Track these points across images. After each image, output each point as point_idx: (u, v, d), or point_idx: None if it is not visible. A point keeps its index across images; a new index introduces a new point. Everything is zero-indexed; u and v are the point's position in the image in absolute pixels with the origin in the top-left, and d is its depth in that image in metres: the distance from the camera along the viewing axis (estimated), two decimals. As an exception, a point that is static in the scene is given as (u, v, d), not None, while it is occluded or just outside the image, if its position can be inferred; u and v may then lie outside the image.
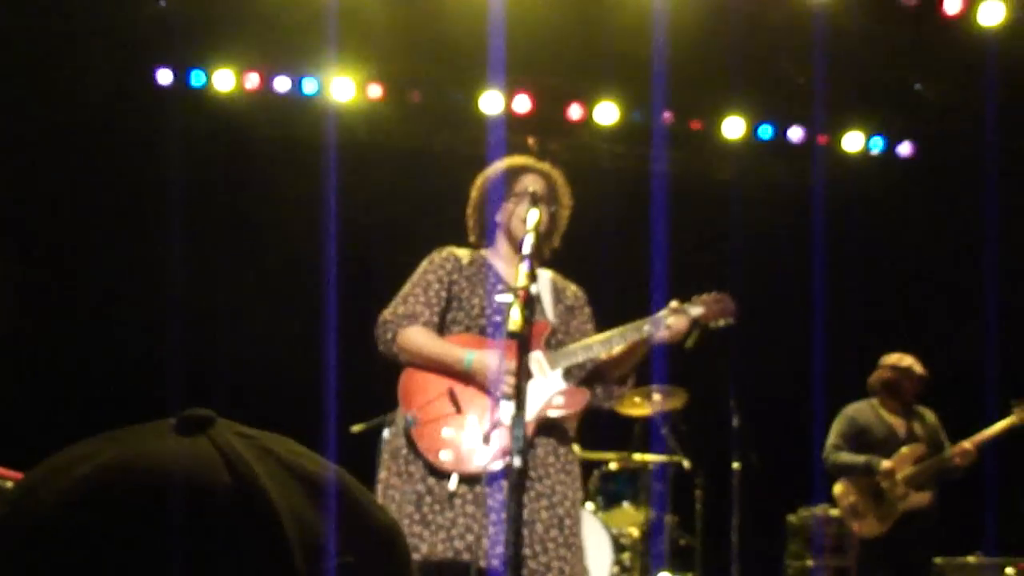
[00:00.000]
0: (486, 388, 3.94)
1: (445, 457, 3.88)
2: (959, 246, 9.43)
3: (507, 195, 4.22)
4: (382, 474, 4.05)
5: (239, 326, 8.65)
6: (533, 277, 3.81)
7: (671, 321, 4.20)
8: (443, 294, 4.15)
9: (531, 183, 4.19)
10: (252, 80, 9.00)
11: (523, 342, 3.64)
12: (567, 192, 4.42)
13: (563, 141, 9.44)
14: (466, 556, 3.74)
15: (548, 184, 4.30)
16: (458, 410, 3.96)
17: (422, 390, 4.03)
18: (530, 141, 9.19)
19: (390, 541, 0.78)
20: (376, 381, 4.56)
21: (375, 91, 9.16)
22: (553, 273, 4.44)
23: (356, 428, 6.85)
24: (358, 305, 8.40)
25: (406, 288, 4.19)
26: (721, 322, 4.29)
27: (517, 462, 3.57)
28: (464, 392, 3.99)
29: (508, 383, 3.81)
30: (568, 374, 4.18)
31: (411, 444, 3.94)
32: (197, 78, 8.89)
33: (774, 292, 9.34)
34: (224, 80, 8.90)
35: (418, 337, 4.05)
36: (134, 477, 0.71)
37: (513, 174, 4.29)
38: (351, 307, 8.51)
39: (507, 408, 3.78)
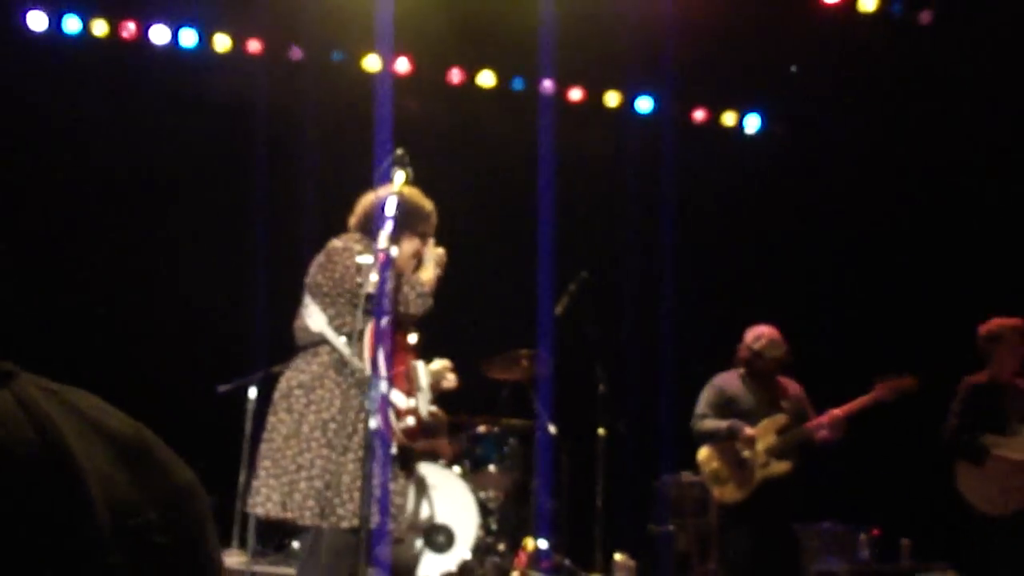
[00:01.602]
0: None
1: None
2: (827, 224, 9.64)
3: (415, 229, 4.49)
4: None
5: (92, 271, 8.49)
6: (394, 240, 3.96)
7: (450, 378, 4.70)
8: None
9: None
10: (128, 29, 8.78)
11: (379, 303, 3.87)
12: None
13: (444, 105, 9.40)
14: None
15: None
16: (409, 389, 4.40)
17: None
18: (411, 104, 9.14)
19: (189, 497, 0.79)
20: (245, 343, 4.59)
21: (255, 46, 9.02)
22: None
23: (223, 388, 6.80)
24: (234, 260, 8.37)
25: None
26: None
27: (372, 424, 3.70)
28: (412, 371, 4.47)
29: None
30: None
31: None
32: (71, 25, 8.63)
33: (647, 263, 9.47)
34: (99, 29, 8.67)
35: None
36: None
37: (426, 217, 4.54)
38: (222, 260, 8.44)
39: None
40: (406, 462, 4.31)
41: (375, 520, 3.99)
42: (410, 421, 4.20)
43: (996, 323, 6.70)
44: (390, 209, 4.04)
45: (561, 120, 9.53)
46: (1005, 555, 6.22)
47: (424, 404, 4.38)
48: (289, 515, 4.06)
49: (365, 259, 4.15)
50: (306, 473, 4.05)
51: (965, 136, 8.44)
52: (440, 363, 4.63)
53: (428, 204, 4.52)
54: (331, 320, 4.22)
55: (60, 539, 0.67)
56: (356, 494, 3.96)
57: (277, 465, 4.12)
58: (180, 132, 8.57)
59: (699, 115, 10.09)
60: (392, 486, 4.16)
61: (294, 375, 4.26)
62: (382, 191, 4.29)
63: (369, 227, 4.34)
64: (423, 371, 4.47)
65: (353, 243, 4.37)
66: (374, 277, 3.84)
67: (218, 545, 0.80)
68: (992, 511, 6.35)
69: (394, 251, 4.02)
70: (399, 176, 4.13)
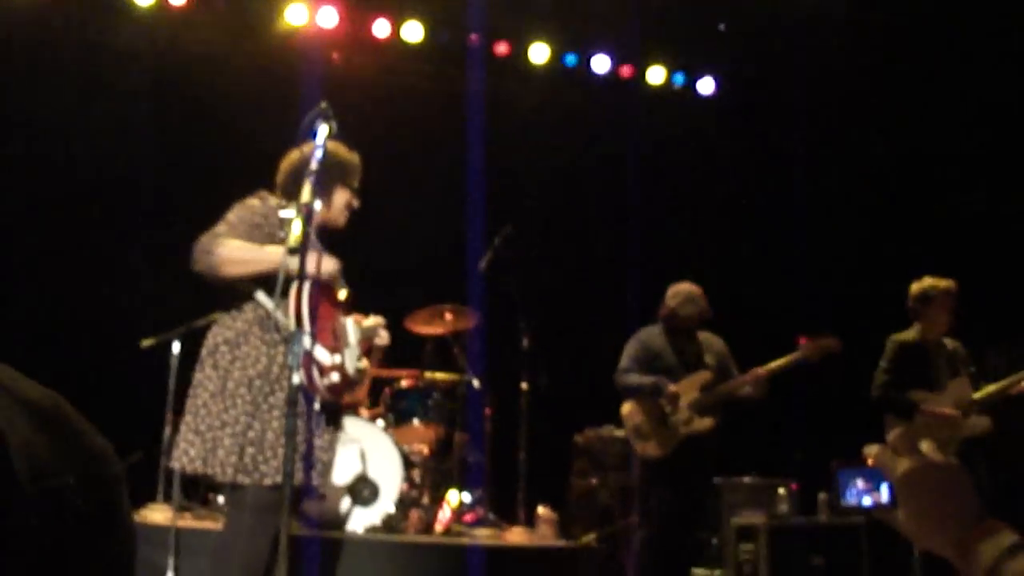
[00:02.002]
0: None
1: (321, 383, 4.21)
2: (757, 180, 9.75)
3: (344, 181, 4.44)
4: None
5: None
6: (326, 193, 4.08)
7: (382, 335, 4.75)
8: (256, 233, 4.21)
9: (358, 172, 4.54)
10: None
11: (303, 256, 3.86)
12: None
13: (368, 58, 9.32)
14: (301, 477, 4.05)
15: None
16: (335, 345, 4.32)
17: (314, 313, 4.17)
18: (335, 56, 9.06)
19: (104, 462, 0.81)
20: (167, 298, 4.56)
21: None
22: None
23: (145, 342, 6.72)
24: (158, 213, 8.27)
25: (228, 216, 4.26)
26: None
27: (296, 379, 3.73)
28: (339, 325, 4.38)
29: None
30: None
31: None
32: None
33: (569, 218, 9.51)
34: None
35: (239, 245, 4.14)
36: None
37: (355, 168, 4.50)
38: (145, 213, 8.33)
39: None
40: (332, 418, 4.29)
41: (298, 477, 3.97)
42: (335, 377, 4.15)
43: (928, 282, 6.79)
44: (315, 163, 4.01)
45: (487, 73, 9.52)
46: None
47: (352, 361, 4.35)
48: (210, 471, 4.03)
49: (287, 213, 4.12)
50: (230, 430, 4.02)
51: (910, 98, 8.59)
52: (373, 320, 4.62)
53: (354, 156, 4.49)
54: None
55: None
56: (280, 451, 3.93)
57: (201, 421, 4.09)
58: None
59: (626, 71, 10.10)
60: (317, 442, 4.15)
61: (220, 331, 4.22)
62: (306, 148, 4.25)
63: (294, 187, 4.25)
64: (352, 327, 4.44)
65: (269, 196, 4.36)
66: (296, 230, 3.81)
67: (130, 509, 0.83)
68: None
69: (317, 205, 4.00)
70: (323, 129, 4.10)
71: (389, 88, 9.23)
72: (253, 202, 4.32)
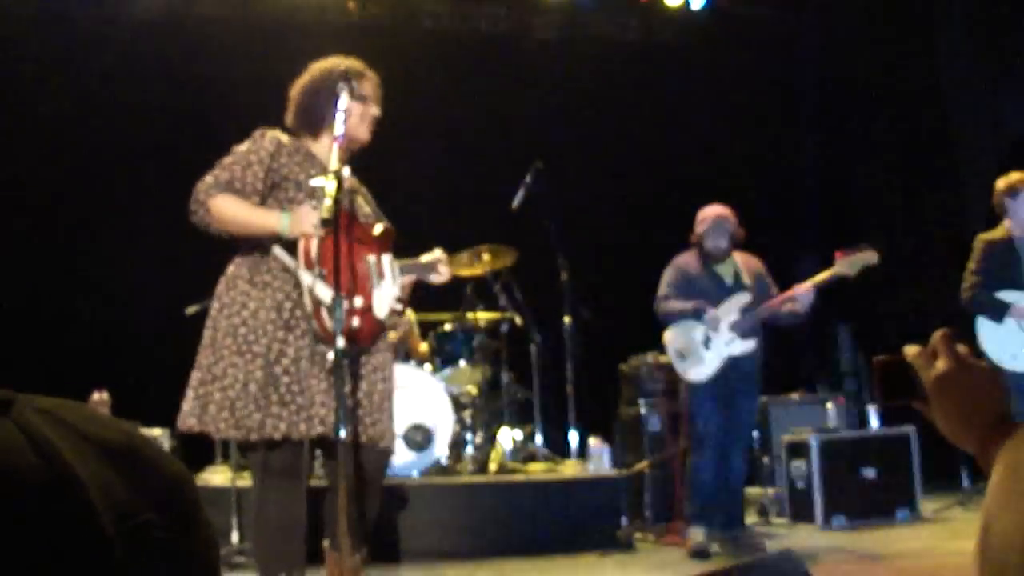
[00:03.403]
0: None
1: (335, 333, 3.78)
2: (782, 99, 9.68)
3: (352, 95, 4.06)
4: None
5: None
6: (345, 161, 3.85)
7: (442, 271, 4.34)
8: (260, 174, 4.02)
9: (369, 89, 4.20)
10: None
11: (336, 227, 3.68)
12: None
13: (384, 5, 9.27)
14: (320, 429, 3.77)
15: (376, 90, 4.27)
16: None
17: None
18: (351, 4, 9.02)
19: (180, 488, 0.83)
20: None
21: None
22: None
23: (190, 309, 6.79)
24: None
25: (224, 161, 4.06)
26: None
27: (341, 343, 3.60)
28: (354, 271, 3.99)
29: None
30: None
31: (299, 323, 3.91)
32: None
33: (596, 148, 9.47)
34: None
35: (231, 204, 3.95)
36: None
37: (356, 77, 4.16)
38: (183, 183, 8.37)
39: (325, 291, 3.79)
40: (344, 362, 3.79)
41: (301, 429, 3.79)
42: (354, 322, 3.89)
43: (1015, 177, 6.63)
44: (338, 129, 3.88)
45: (506, 8, 9.44)
46: None
47: (384, 301, 4.08)
48: (206, 428, 3.87)
49: (318, 182, 3.92)
50: (219, 384, 3.86)
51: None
52: (432, 254, 4.35)
53: (353, 63, 4.21)
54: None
55: (72, 550, 0.72)
56: (264, 402, 3.79)
57: (194, 376, 3.94)
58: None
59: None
60: (319, 394, 3.86)
61: (221, 279, 4.08)
62: (313, 70, 4.16)
63: (306, 120, 4.16)
64: (389, 265, 4.17)
65: (266, 133, 4.16)
66: (328, 201, 3.67)
67: (211, 527, 0.86)
68: (1015, 367, 6.44)
69: (346, 171, 3.88)
70: (344, 96, 3.97)
71: (408, 32, 9.18)
72: (242, 147, 4.10)
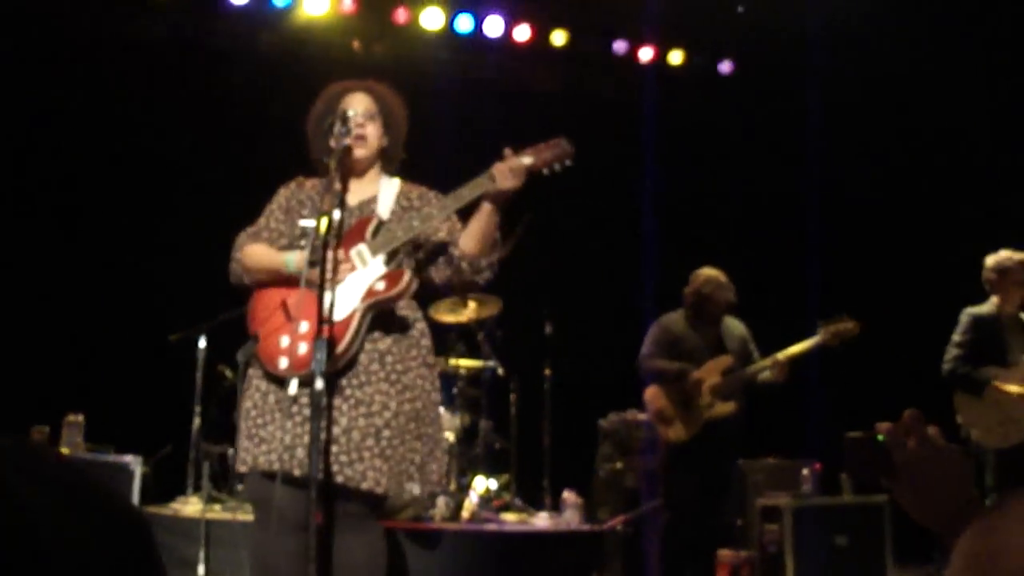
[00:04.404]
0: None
1: (282, 364, 3.81)
2: (777, 163, 9.73)
3: (340, 121, 3.98)
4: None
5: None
6: (338, 200, 3.77)
7: (505, 167, 3.96)
8: (281, 217, 4.08)
9: (353, 104, 4.10)
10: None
11: (322, 270, 3.61)
12: (398, 101, 4.27)
13: (388, 45, 9.33)
14: (277, 466, 3.66)
15: (375, 99, 4.17)
16: (289, 318, 3.87)
17: (263, 308, 3.97)
18: (355, 45, 9.09)
19: (130, 522, 0.85)
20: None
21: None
22: (401, 182, 4.25)
23: (174, 337, 6.80)
24: (188, 210, 8.32)
25: (263, 213, 4.18)
26: (557, 166, 4.12)
27: (319, 384, 3.50)
28: (295, 300, 3.82)
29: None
30: (393, 259, 4.00)
31: (257, 360, 3.93)
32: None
33: (590, 203, 9.50)
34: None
35: (254, 250, 4.03)
36: None
37: (336, 98, 4.14)
38: (174, 211, 8.39)
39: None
40: (301, 399, 3.76)
41: (260, 461, 3.76)
42: (301, 349, 3.77)
43: (1004, 255, 6.72)
44: (333, 169, 3.83)
45: (509, 59, 9.49)
46: (1003, 487, 6.27)
47: (349, 299, 3.87)
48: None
49: (307, 223, 3.90)
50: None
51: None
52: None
53: (347, 82, 4.23)
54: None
55: None
56: (240, 435, 3.90)
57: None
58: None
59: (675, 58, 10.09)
60: (283, 426, 3.76)
61: None
62: (317, 106, 4.18)
63: (315, 152, 4.14)
64: (357, 256, 3.95)
65: (305, 181, 4.18)
66: (306, 246, 3.68)
67: (159, 556, 0.86)
68: (991, 443, 6.46)
69: (336, 214, 3.65)
70: (341, 139, 3.97)
71: (409, 75, 9.25)
72: (281, 192, 4.17)
